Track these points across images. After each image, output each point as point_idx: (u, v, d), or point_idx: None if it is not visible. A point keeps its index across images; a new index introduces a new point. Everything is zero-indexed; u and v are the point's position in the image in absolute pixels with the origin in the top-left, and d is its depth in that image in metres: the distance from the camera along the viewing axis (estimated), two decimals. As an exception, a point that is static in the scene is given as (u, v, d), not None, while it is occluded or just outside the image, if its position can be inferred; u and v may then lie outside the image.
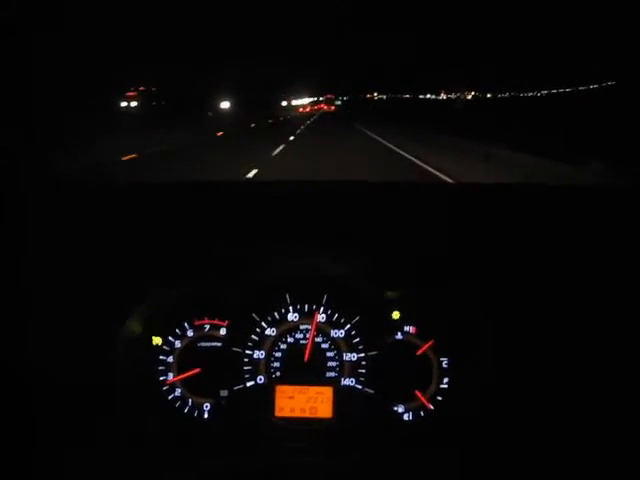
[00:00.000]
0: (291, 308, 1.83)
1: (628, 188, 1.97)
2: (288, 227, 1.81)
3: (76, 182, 1.93)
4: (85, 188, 1.95)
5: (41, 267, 1.69)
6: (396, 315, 1.81)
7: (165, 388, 1.83)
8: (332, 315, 1.82)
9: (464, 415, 1.74)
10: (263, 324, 1.82)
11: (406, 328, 1.82)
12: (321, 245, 1.78)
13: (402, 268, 1.75)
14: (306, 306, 1.83)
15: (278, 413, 1.79)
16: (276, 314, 1.82)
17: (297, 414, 1.79)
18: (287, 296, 1.82)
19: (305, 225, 1.82)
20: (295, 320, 1.83)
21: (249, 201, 1.91)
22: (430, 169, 13.95)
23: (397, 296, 1.80)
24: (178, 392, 1.83)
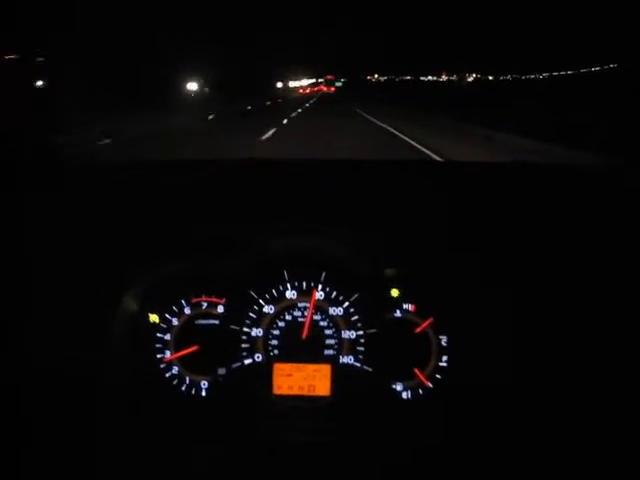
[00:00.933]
0: (289, 285, 1.82)
1: (623, 169, 1.96)
2: (285, 205, 1.80)
3: (69, 164, 1.91)
4: (79, 169, 1.93)
5: (34, 248, 1.68)
6: (395, 292, 1.80)
7: (162, 366, 1.82)
8: (330, 292, 1.81)
9: (463, 393, 1.73)
10: (261, 301, 1.80)
11: (405, 306, 1.81)
12: (319, 223, 1.76)
13: (401, 245, 1.74)
14: (304, 283, 1.81)
15: (276, 391, 1.78)
16: (274, 291, 1.81)
17: (295, 392, 1.78)
18: (285, 273, 1.81)
19: (302, 203, 1.80)
20: (293, 297, 1.81)
21: (246, 179, 1.90)
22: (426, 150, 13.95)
23: (396, 273, 1.79)
24: (175, 370, 1.82)
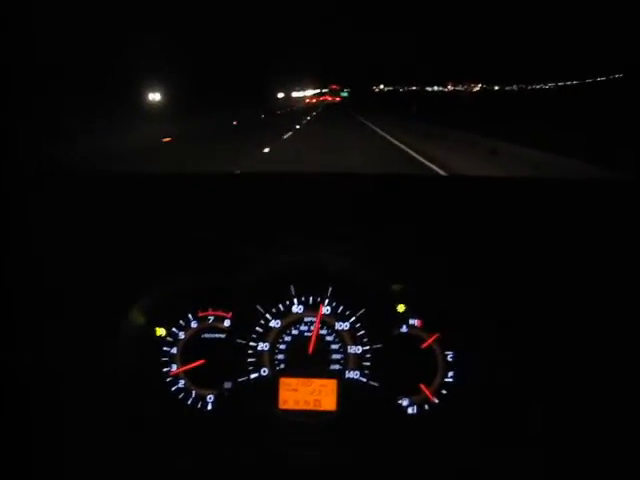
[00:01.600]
0: (296, 300, 1.82)
1: (627, 182, 1.96)
2: (293, 220, 1.80)
3: (76, 173, 1.92)
4: (86, 179, 1.94)
5: (42, 259, 1.68)
6: (401, 308, 1.80)
7: (169, 379, 1.83)
8: (337, 307, 1.81)
9: (469, 409, 1.73)
10: (267, 316, 1.81)
11: (411, 321, 1.81)
12: (326, 238, 1.76)
13: (407, 261, 1.74)
14: (311, 298, 1.82)
15: (282, 406, 1.78)
16: (281, 306, 1.81)
17: (301, 407, 1.78)
18: (292, 288, 1.82)
19: (310, 218, 1.80)
20: (300, 312, 1.82)
21: (253, 193, 1.90)
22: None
23: (402, 289, 1.79)
24: (182, 383, 1.83)
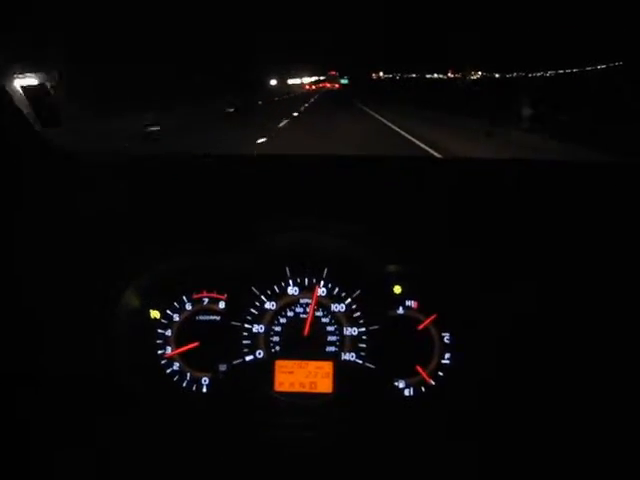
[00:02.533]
0: (291, 281, 1.81)
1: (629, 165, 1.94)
2: (288, 200, 1.78)
3: (72, 156, 1.90)
4: (81, 161, 1.92)
5: (36, 241, 1.67)
6: (397, 289, 1.79)
7: (163, 362, 1.82)
8: (333, 289, 1.80)
9: (465, 391, 1.72)
10: (262, 298, 1.80)
11: (408, 302, 1.80)
12: (321, 219, 1.75)
13: (403, 241, 1.73)
14: (306, 280, 1.81)
15: (277, 388, 1.78)
16: (276, 288, 1.80)
17: (297, 389, 1.78)
18: (287, 269, 1.80)
19: (305, 198, 1.78)
20: (295, 294, 1.81)
21: (248, 174, 1.89)
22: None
23: (398, 270, 1.78)
24: (176, 366, 1.82)
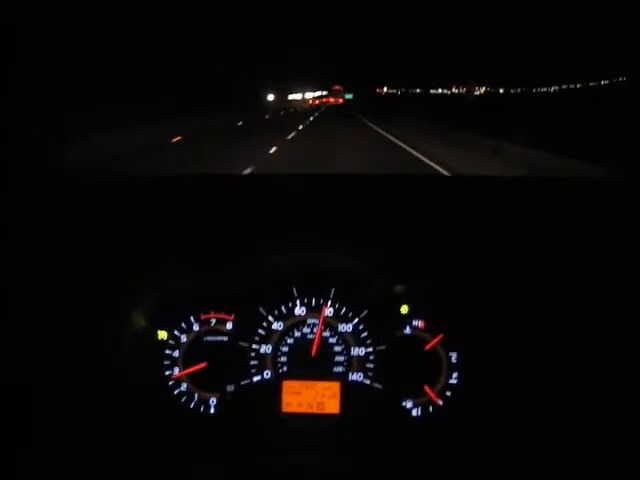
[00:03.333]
0: (298, 302, 1.81)
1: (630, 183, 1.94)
2: (295, 221, 1.79)
3: (78, 176, 1.91)
4: (88, 182, 1.93)
5: (44, 262, 1.68)
6: (404, 309, 1.79)
7: (171, 383, 1.82)
8: (340, 309, 1.80)
9: (473, 411, 1.72)
10: (270, 318, 1.80)
11: (415, 322, 1.80)
12: (328, 239, 1.75)
13: (410, 261, 1.73)
14: (313, 300, 1.81)
15: (285, 409, 1.77)
16: (283, 308, 1.81)
17: (304, 410, 1.77)
18: (294, 290, 1.80)
19: (312, 219, 1.79)
20: (302, 314, 1.81)
21: (256, 195, 1.89)
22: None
23: (405, 290, 1.78)
24: (184, 387, 1.82)
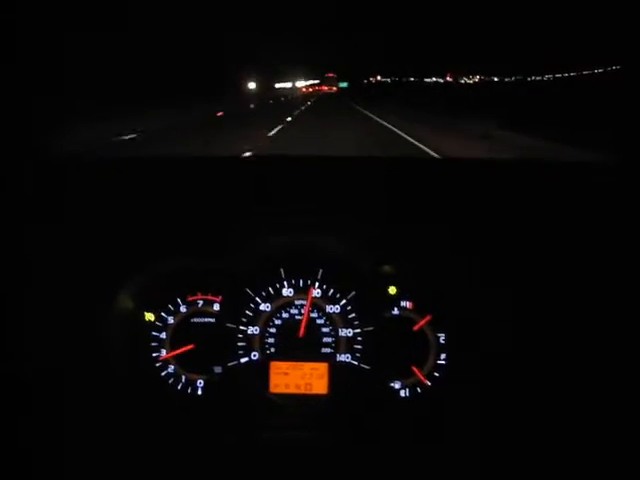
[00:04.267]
0: (286, 283, 1.80)
1: (622, 166, 1.94)
2: (282, 202, 1.78)
3: (68, 159, 1.90)
4: (76, 164, 1.92)
5: (29, 246, 1.66)
6: (392, 290, 1.79)
7: (158, 365, 1.81)
8: (327, 290, 1.80)
9: (461, 391, 1.72)
10: (257, 299, 1.79)
11: (403, 303, 1.79)
12: (315, 219, 1.74)
13: (397, 242, 1.72)
14: (301, 281, 1.80)
15: (273, 389, 1.77)
16: (270, 289, 1.80)
17: (292, 390, 1.77)
18: (282, 271, 1.80)
19: (300, 200, 1.78)
20: (290, 295, 1.80)
21: (243, 176, 1.88)
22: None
23: (393, 271, 1.77)
24: (171, 369, 1.81)
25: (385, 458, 1.63)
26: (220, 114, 28.99)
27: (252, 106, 40.87)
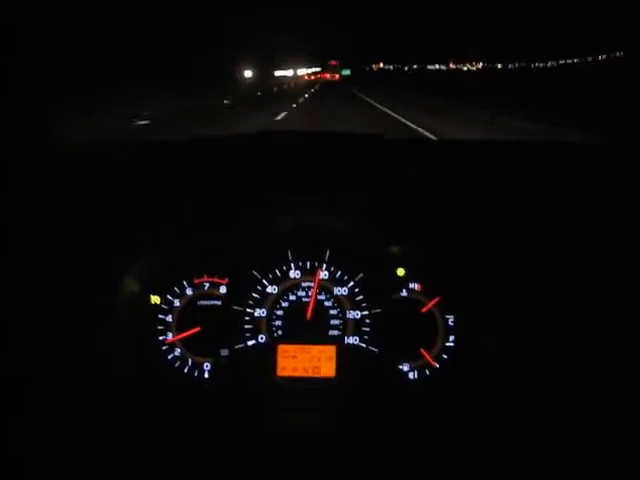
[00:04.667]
0: (293, 265, 1.79)
1: (627, 147, 1.92)
2: (289, 182, 1.76)
3: (67, 144, 1.88)
4: (77, 148, 1.91)
5: (35, 227, 1.65)
6: (401, 272, 1.77)
7: (164, 348, 1.80)
8: (335, 272, 1.78)
9: (470, 374, 1.71)
10: (264, 282, 1.78)
11: (411, 285, 1.78)
12: (323, 200, 1.73)
13: (406, 223, 1.71)
14: (308, 263, 1.79)
15: (280, 372, 1.76)
16: (277, 271, 1.78)
17: (300, 373, 1.76)
18: (289, 253, 1.78)
19: (307, 180, 1.76)
20: (297, 277, 1.79)
21: (247, 154, 1.86)
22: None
23: (402, 252, 1.76)
24: (178, 352, 1.80)
25: (393, 440, 1.62)
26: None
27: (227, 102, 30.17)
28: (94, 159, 1.84)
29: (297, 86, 65.77)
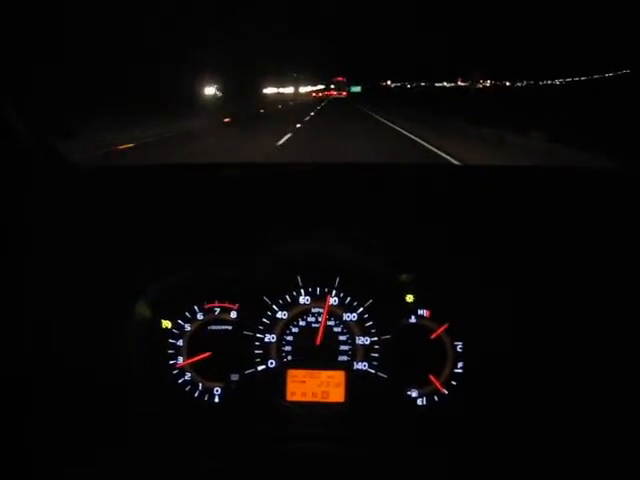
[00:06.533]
0: (303, 291, 1.80)
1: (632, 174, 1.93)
2: (299, 209, 1.78)
3: (86, 167, 1.91)
4: (93, 172, 1.93)
5: (47, 254, 1.67)
6: (410, 298, 1.78)
7: (175, 372, 1.81)
8: (344, 298, 1.79)
9: (479, 400, 1.71)
10: (274, 307, 1.79)
11: (420, 311, 1.79)
12: (333, 227, 1.74)
13: (415, 250, 1.72)
14: (318, 289, 1.80)
15: (289, 397, 1.77)
16: (287, 297, 1.80)
17: (309, 399, 1.77)
18: (299, 279, 1.80)
19: (317, 207, 1.78)
20: (307, 303, 1.80)
21: (260, 183, 1.89)
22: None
23: (411, 279, 1.77)
24: (188, 376, 1.81)
25: (401, 466, 1.63)
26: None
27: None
28: (111, 185, 1.87)
29: (297, 105, 62.16)
